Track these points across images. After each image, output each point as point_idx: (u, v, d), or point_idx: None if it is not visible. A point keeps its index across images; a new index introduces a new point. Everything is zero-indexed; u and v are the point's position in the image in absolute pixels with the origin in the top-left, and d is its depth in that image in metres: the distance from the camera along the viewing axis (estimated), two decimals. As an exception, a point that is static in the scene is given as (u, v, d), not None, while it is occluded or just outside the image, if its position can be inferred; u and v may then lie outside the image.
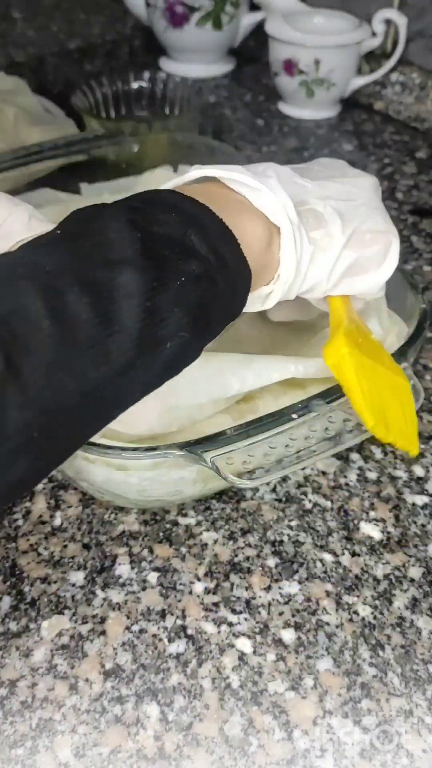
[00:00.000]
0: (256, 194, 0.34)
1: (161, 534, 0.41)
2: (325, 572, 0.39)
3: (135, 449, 0.35)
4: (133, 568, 0.39)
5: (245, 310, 0.34)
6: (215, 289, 0.30)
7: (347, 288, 0.37)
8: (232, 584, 0.38)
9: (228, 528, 0.41)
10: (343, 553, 0.40)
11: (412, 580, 0.39)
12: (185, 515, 0.42)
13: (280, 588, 0.38)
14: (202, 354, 0.31)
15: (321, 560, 0.40)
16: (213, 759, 0.32)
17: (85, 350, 0.25)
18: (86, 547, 0.40)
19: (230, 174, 0.34)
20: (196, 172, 0.35)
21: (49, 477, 0.44)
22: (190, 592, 0.38)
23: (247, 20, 0.93)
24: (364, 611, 0.37)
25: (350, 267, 0.36)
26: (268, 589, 0.38)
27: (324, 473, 0.44)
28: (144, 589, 0.38)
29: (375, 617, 0.37)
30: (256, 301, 0.36)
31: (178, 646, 0.36)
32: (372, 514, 0.42)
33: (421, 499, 0.43)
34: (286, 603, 0.38)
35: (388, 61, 0.82)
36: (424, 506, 0.42)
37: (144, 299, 0.27)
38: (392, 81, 0.85)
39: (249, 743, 0.32)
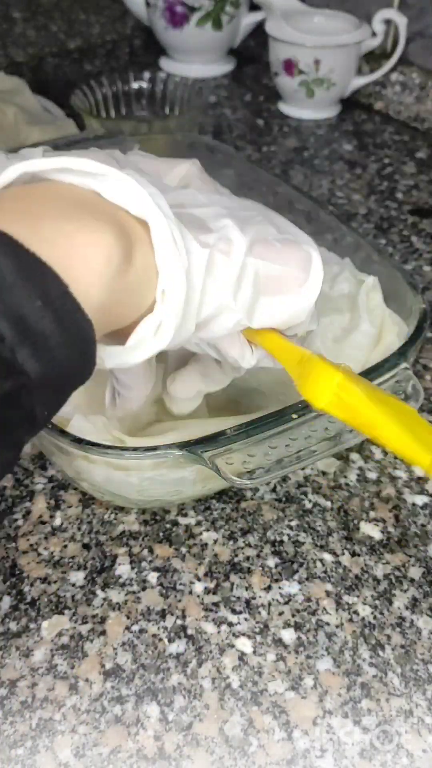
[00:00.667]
0: (103, 182, 0.24)
1: (161, 534, 0.41)
2: (325, 572, 0.39)
3: (135, 449, 0.35)
4: (133, 568, 0.39)
5: (135, 361, 0.27)
6: (21, 380, 0.20)
7: (267, 316, 0.30)
8: (232, 584, 0.38)
9: (228, 528, 0.41)
10: (343, 553, 0.40)
11: (412, 580, 0.39)
12: (185, 515, 0.42)
13: (280, 588, 0.38)
14: None
15: (321, 560, 0.40)
16: (213, 759, 0.32)
17: None
18: (86, 547, 0.40)
19: (59, 163, 0.24)
20: (15, 169, 0.24)
21: (49, 477, 0.44)
22: (190, 592, 0.38)
23: (247, 20, 0.93)
24: (364, 611, 0.37)
25: (264, 282, 0.29)
26: (268, 589, 0.38)
27: (324, 473, 0.44)
28: (144, 589, 0.38)
29: (375, 617, 0.37)
30: (143, 344, 0.26)
31: (178, 646, 0.36)
32: (372, 514, 0.42)
33: (421, 499, 0.43)
34: (286, 603, 0.38)
35: (388, 61, 0.82)
36: (424, 506, 0.42)
37: None
38: (392, 81, 0.85)
39: (249, 743, 0.32)
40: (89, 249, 0.22)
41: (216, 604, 0.38)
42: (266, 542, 0.40)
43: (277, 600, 0.38)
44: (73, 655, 0.35)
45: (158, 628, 0.37)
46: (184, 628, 0.37)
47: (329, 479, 0.44)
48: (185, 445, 0.34)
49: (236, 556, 0.40)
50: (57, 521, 0.41)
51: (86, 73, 0.95)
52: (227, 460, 0.34)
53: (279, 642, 0.36)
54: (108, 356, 0.27)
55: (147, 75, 0.77)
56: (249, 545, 0.40)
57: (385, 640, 0.36)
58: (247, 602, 0.38)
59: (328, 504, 0.42)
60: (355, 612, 0.37)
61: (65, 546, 0.40)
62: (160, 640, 0.36)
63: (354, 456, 0.45)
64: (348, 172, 0.76)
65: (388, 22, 0.82)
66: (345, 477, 0.44)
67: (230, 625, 0.37)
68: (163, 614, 0.37)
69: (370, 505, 0.42)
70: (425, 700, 0.34)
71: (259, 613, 0.37)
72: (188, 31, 0.91)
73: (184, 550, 0.40)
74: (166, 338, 0.26)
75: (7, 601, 0.38)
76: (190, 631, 0.36)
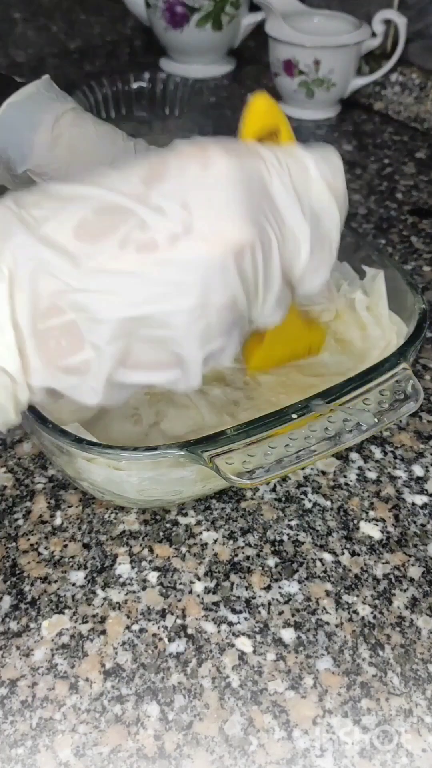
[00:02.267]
0: None
1: (161, 533, 0.41)
2: (325, 572, 0.39)
3: (134, 449, 0.35)
4: (133, 567, 0.39)
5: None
6: None
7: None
8: (232, 584, 0.38)
9: (228, 527, 0.41)
10: (343, 553, 0.40)
11: (411, 580, 0.39)
12: (185, 515, 0.42)
13: (279, 587, 0.38)
14: None
15: (321, 560, 0.40)
16: (213, 758, 0.32)
17: None
18: (86, 546, 0.40)
19: None
20: None
21: (50, 477, 0.44)
22: (190, 592, 0.38)
23: (247, 21, 0.93)
24: (364, 611, 0.37)
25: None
26: (268, 588, 0.38)
27: (324, 473, 0.44)
28: (144, 588, 0.38)
29: (375, 617, 0.37)
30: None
31: (178, 646, 0.36)
32: (371, 513, 0.42)
33: (420, 499, 0.43)
34: (286, 602, 0.38)
35: (388, 61, 0.82)
36: (424, 506, 0.43)
37: None
38: (392, 81, 0.85)
39: (249, 742, 0.32)
40: None
41: (216, 604, 0.38)
42: (266, 542, 0.40)
43: (277, 599, 0.38)
44: (73, 654, 0.35)
45: (158, 628, 0.37)
46: (184, 627, 0.37)
47: (329, 479, 0.44)
48: (185, 445, 0.34)
49: (236, 555, 0.40)
50: (57, 521, 0.42)
51: (86, 73, 0.95)
52: (227, 460, 0.34)
53: (279, 641, 0.36)
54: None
55: (147, 75, 0.77)
56: (249, 545, 0.40)
57: (385, 640, 0.36)
58: (247, 602, 0.38)
59: (328, 504, 0.43)
60: (355, 611, 0.37)
61: (65, 545, 0.40)
62: (160, 639, 0.36)
63: (354, 456, 0.45)
64: (348, 173, 0.76)
65: (387, 23, 0.82)
66: (345, 477, 0.44)
67: (230, 624, 0.37)
68: (163, 614, 0.37)
69: (370, 505, 0.43)
70: (425, 700, 0.34)
71: (259, 612, 0.37)
72: (188, 31, 0.91)
73: (184, 549, 0.40)
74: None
75: (7, 600, 0.38)
76: (190, 631, 0.36)
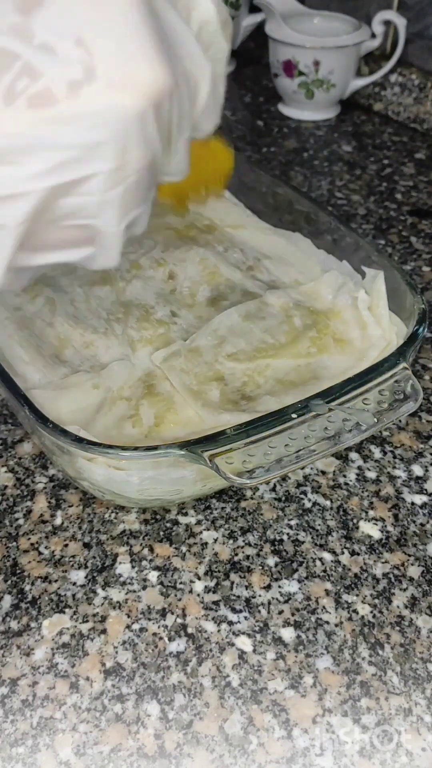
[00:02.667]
0: None
1: (161, 533, 0.41)
2: (325, 571, 0.39)
3: (135, 449, 0.35)
4: (133, 567, 0.39)
5: None
6: None
7: None
8: (232, 583, 0.39)
9: (228, 527, 0.41)
10: (343, 552, 0.40)
11: (411, 579, 0.39)
12: (185, 514, 0.42)
13: (279, 587, 0.38)
14: None
15: (320, 559, 0.40)
16: (213, 757, 0.32)
17: None
18: (87, 546, 0.40)
19: None
20: None
21: (50, 476, 0.44)
22: (191, 591, 0.38)
23: (247, 22, 0.93)
24: (364, 610, 0.37)
25: None
26: (268, 587, 0.38)
27: (323, 472, 0.44)
28: (144, 587, 0.38)
29: (374, 616, 0.37)
30: None
31: (179, 645, 0.36)
32: (371, 513, 0.42)
33: (420, 499, 0.43)
34: (286, 602, 0.38)
35: (388, 62, 0.82)
36: (423, 505, 0.43)
37: None
38: (391, 82, 0.85)
39: (249, 741, 0.33)
40: None
41: (216, 603, 0.38)
42: (266, 541, 0.41)
43: (277, 599, 0.38)
44: (73, 653, 0.36)
45: (158, 627, 0.37)
46: (184, 626, 0.37)
47: (328, 478, 0.44)
48: (185, 445, 0.34)
49: (236, 555, 0.40)
50: (58, 520, 0.42)
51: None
52: (227, 460, 0.34)
53: (279, 640, 0.36)
54: None
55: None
56: (249, 544, 0.40)
57: (385, 639, 0.36)
58: (247, 601, 0.38)
59: (328, 503, 0.43)
60: (355, 611, 0.37)
61: (66, 545, 0.40)
62: (161, 638, 0.36)
63: (353, 455, 0.45)
64: (347, 173, 0.76)
65: (387, 24, 0.82)
66: (344, 476, 0.44)
67: (230, 623, 0.37)
68: (163, 613, 0.37)
69: (370, 505, 0.43)
70: (424, 699, 0.34)
71: (259, 611, 0.37)
72: (188, 32, 0.91)
73: (184, 549, 0.40)
74: None
75: (8, 599, 0.38)
76: (190, 630, 0.37)
